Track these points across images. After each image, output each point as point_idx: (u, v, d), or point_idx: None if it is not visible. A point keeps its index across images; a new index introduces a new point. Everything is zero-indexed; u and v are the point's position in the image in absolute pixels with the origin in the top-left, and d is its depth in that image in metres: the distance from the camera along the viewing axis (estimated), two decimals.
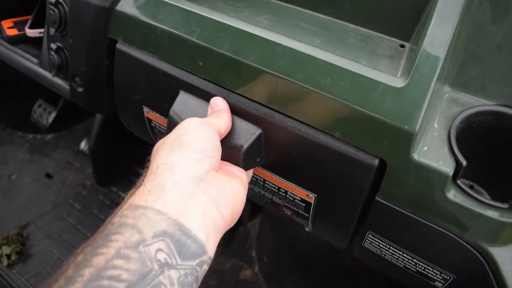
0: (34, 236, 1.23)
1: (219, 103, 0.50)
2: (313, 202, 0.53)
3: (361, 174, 0.46)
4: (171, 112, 0.54)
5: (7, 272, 1.16)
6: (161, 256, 0.34)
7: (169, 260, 0.34)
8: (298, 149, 0.49)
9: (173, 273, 0.34)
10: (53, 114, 1.33)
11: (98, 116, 1.22)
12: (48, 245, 1.21)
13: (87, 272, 0.31)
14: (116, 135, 1.25)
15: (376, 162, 0.44)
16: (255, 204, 1.24)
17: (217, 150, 0.43)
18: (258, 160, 0.52)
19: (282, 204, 0.57)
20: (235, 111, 0.51)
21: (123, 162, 1.33)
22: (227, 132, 0.49)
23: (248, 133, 0.50)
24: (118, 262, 0.32)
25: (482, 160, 0.46)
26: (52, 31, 0.65)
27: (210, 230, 0.39)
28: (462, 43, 0.46)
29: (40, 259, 1.18)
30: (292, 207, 0.56)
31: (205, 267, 0.38)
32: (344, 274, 0.94)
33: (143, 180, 0.41)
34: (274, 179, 0.55)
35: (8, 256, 1.17)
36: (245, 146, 0.49)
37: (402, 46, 0.51)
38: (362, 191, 0.47)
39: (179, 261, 0.35)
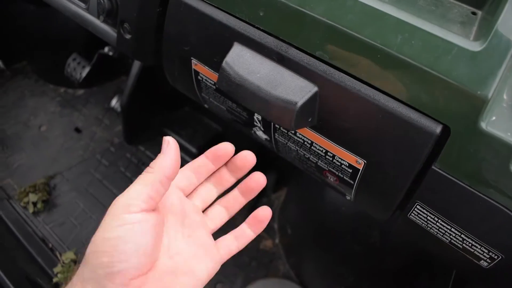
0: (61, 187, 1.24)
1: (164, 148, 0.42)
2: (361, 169, 0.52)
3: (421, 141, 0.44)
4: (224, 64, 0.53)
5: (32, 219, 1.18)
6: None
7: None
8: (354, 111, 0.48)
9: None
10: (87, 69, 1.34)
11: (132, 75, 1.21)
12: (74, 197, 1.22)
13: None
14: (148, 95, 1.25)
15: (439, 129, 0.43)
16: (280, 176, 1.24)
17: (138, 252, 0.37)
18: (310, 120, 0.51)
19: (327, 169, 0.56)
20: (292, 66, 0.49)
21: (152, 122, 1.33)
22: (173, 174, 0.41)
23: (303, 90, 0.49)
24: None
25: None
26: None
27: None
28: None
29: (65, 210, 1.20)
30: (337, 173, 0.55)
31: None
32: (368, 252, 0.93)
33: None
34: (323, 142, 0.53)
35: (35, 204, 1.19)
36: (300, 103, 0.48)
37: (474, 13, 0.49)
38: (418, 160, 0.45)
39: None
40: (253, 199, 0.49)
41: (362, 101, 0.46)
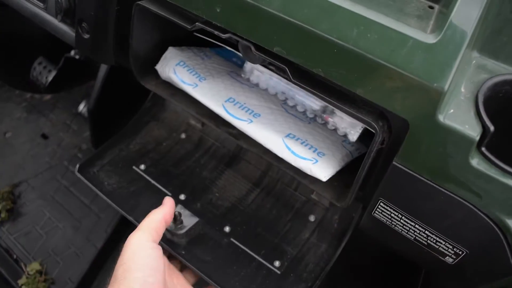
0: (26, 195, 1.20)
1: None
2: None
3: None
4: None
5: None
6: None
7: None
8: None
9: None
10: (53, 73, 1.30)
11: (100, 78, 1.18)
12: (40, 205, 1.18)
13: None
14: (117, 99, 1.21)
15: None
16: None
17: (158, 271, 0.47)
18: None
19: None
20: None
21: (121, 127, 1.29)
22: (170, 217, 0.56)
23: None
24: None
25: (503, 133, 0.44)
26: None
27: None
28: (496, 6, 0.43)
29: (31, 219, 1.16)
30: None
31: None
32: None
33: None
34: None
35: None
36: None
37: (431, 7, 0.48)
38: None
39: None
40: None
41: None
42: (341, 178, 0.57)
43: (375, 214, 0.50)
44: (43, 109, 1.42)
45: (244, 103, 0.62)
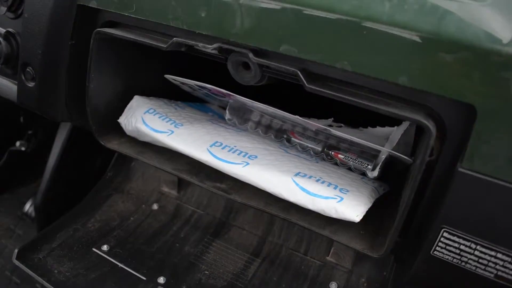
0: None
1: None
2: None
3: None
4: None
5: None
6: None
7: None
8: None
9: None
10: None
11: (49, 167, 1.03)
12: None
13: None
14: (68, 189, 1.06)
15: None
16: None
17: None
18: None
19: None
20: None
21: None
22: None
23: None
24: None
25: None
26: (2, 10, 0.51)
27: None
28: None
29: None
30: None
31: None
32: None
33: None
34: None
35: None
36: None
37: None
38: None
39: None
40: None
41: None
42: (366, 224, 0.45)
43: (435, 252, 0.37)
44: None
45: (234, 146, 0.50)
